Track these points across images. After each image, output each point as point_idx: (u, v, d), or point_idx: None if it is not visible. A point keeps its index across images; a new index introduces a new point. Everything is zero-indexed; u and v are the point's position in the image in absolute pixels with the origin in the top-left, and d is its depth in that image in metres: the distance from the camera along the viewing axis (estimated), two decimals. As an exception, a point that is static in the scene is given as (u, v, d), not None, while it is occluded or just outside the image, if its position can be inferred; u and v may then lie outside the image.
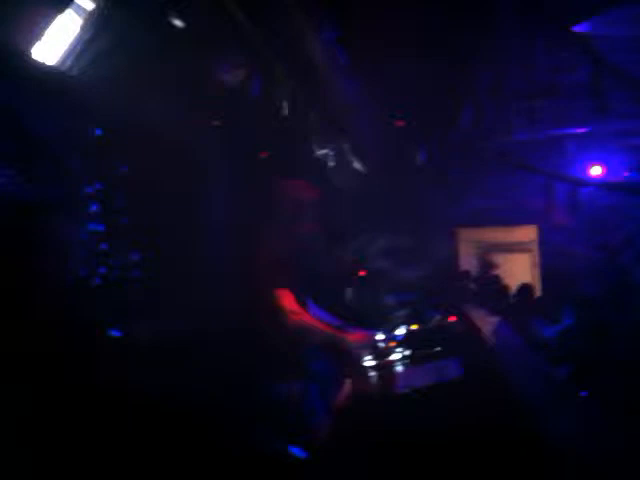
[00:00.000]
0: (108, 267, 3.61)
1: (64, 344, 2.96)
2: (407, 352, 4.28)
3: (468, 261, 10.80)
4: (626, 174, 9.47)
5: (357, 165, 7.51)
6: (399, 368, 4.02)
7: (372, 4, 5.04)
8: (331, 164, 7.01)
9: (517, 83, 7.96)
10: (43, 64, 3.33)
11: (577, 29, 6.20)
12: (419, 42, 5.91)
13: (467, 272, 10.10)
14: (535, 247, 10.89)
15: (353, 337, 3.90)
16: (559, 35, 6.50)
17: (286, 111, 5.27)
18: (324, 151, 6.91)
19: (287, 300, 3.65)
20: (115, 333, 3.23)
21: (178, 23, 3.83)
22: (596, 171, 9.61)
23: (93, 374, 2.95)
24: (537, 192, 9.97)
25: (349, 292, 5.84)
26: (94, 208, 3.51)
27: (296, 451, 3.27)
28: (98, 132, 3.55)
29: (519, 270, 10.41)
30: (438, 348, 4.19)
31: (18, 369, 2.66)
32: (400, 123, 7.53)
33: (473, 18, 5.89)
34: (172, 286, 3.92)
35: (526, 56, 7.06)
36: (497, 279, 9.82)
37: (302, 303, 3.77)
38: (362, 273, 6.42)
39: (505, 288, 9.54)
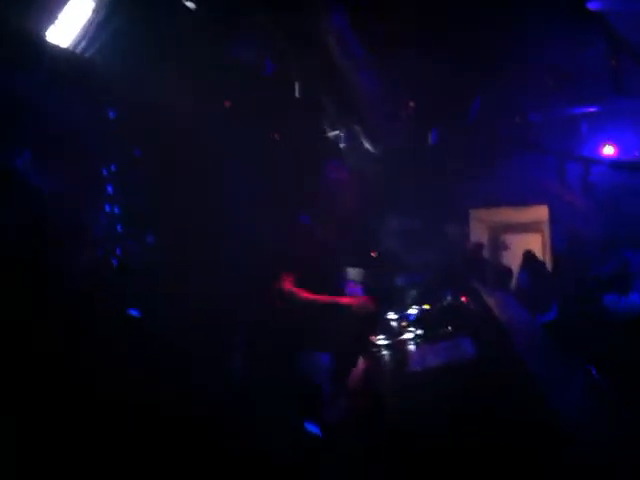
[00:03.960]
0: (124, 249, 3.65)
1: (80, 323, 3.01)
2: (420, 332, 4.30)
3: (480, 241, 10.77)
4: (638, 153, 9.39)
5: (369, 146, 7.49)
6: (412, 347, 4.04)
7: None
8: (342, 145, 7.01)
9: (531, 62, 7.88)
10: (57, 47, 3.34)
11: (592, 6, 6.11)
12: (433, 23, 5.86)
13: (480, 245, 10.01)
14: (546, 227, 10.84)
15: (356, 301, 3.92)
16: (574, 12, 6.41)
17: (298, 92, 5.26)
18: (335, 132, 6.91)
19: (287, 282, 3.68)
20: (133, 313, 3.27)
21: (191, 5, 3.83)
22: (608, 151, 9.54)
23: (110, 352, 3.00)
24: (549, 172, 9.90)
25: (363, 272, 5.86)
26: (110, 190, 3.54)
27: (312, 428, 3.32)
28: (112, 114, 3.56)
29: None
30: (450, 328, 4.21)
31: (34, 346, 2.71)
32: (412, 104, 7.48)
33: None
34: (187, 268, 3.95)
35: (541, 35, 6.98)
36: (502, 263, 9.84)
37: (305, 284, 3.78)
38: (374, 254, 6.44)
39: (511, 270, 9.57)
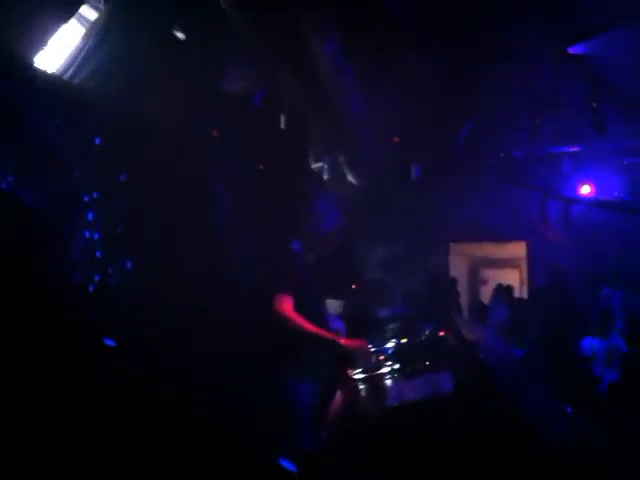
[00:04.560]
0: (103, 275, 3.61)
1: (59, 349, 2.98)
2: (398, 366, 4.29)
3: (460, 274, 10.84)
4: (618, 193, 9.55)
5: (352, 178, 7.55)
6: (390, 381, 4.03)
7: (376, 20, 5.10)
8: (326, 177, 7.07)
9: (515, 100, 8.04)
10: (46, 72, 3.35)
11: (575, 50, 6.28)
12: (419, 57, 5.97)
13: (454, 280, 10.15)
14: (524, 263, 10.95)
15: (351, 343, 3.91)
16: (558, 55, 6.58)
17: (285, 123, 5.31)
18: (319, 164, 6.97)
19: (286, 306, 3.67)
20: (109, 342, 3.23)
21: (181, 35, 3.87)
22: (586, 190, 9.69)
23: (88, 380, 2.97)
24: (530, 208, 10.04)
25: (343, 304, 5.88)
26: (91, 216, 3.52)
27: (286, 464, 3.29)
28: (98, 140, 3.56)
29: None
30: (429, 362, 4.21)
31: (13, 372, 2.68)
32: (397, 139, 7.58)
33: (478, 36, 5.96)
34: (168, 294, 3.92)
35: (525, 74, 7.14)
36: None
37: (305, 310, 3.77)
38: (354, 286, 6.45)
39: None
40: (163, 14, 3.86)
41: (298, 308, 3.71)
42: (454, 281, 9.92)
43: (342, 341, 3.87)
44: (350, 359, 3.89)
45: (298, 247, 4.12)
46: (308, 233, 4.07)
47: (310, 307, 3.84)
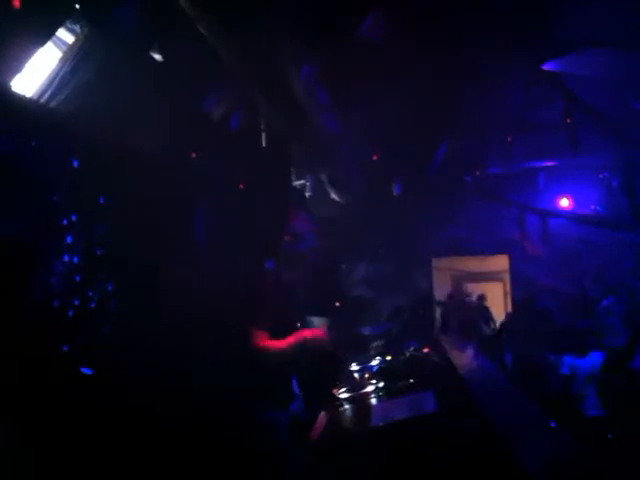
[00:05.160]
0: (82, 299, 3.56)
1: (36, 376, 2.93)
2: (382, 384, 4.28)
3: (443, 290, 10.90)
4: (594, 207, 9.70)
5: (334, 196, 7.57)
6: (374, 401, 4.01)
7: (352, 43, 5.15)
8: (308, 194, 7.08)
9: (492, 118, 8.13)
10: (23, 96, 3.32)
11: (549, 67, 6.38)
12: (397, 81, 6.02)
13: (451, 296, 10.20)
14: (507, 276, 11.04)
15: (310, 333, 3.84)
16: (534, 72, 6.68)
17: (264, 142, 5.32)
18: (301, 181, 6.99)
19: (260, 338, 3.63)
20: (86, 371, 3.19)
21: (158, 57, 3.86)
22: (564, 203, 9.84)
23: (65, 407, 2.93)
24: (510, 223, 10.16)
25: (327, 322, 5.87)
26: (69, 240, 3.47)
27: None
28: (76, 163, 3.52)
29: (492, 299, 10.53)
30: (413, 379, 4.20)
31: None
32: (375, 157, 7.62)
33: (452, 58, 6.03)
34: (147, 318, 3.88)
35: (502, 92, 7.23)
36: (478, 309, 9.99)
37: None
38: (338, 303, 6.43)
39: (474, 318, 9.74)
40: (141, 36, 3.85)
41: (275, 328, 3.66)
42: (447, 299, 9.98)
43: (306, 334, 3.77)
44: (316, 347, 3.81)
45: (271, 266, 4.11)
46: (284, 252, 4.05)
47: (286, 324, 3.80)
